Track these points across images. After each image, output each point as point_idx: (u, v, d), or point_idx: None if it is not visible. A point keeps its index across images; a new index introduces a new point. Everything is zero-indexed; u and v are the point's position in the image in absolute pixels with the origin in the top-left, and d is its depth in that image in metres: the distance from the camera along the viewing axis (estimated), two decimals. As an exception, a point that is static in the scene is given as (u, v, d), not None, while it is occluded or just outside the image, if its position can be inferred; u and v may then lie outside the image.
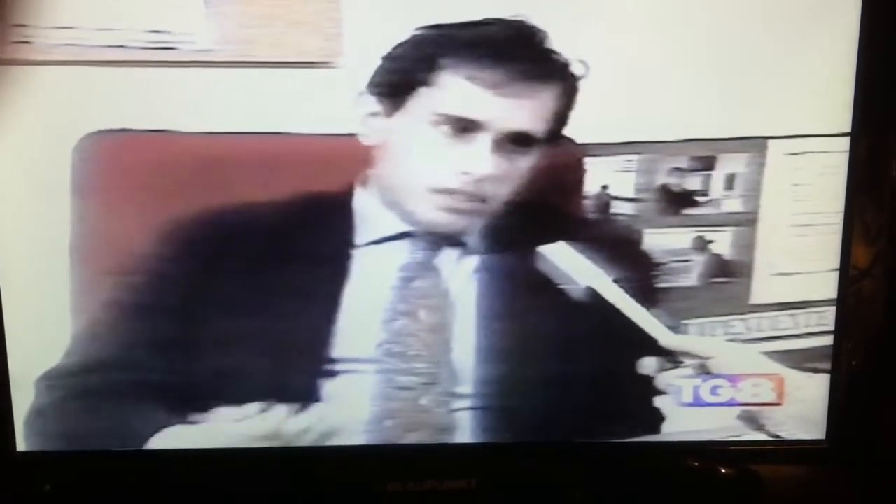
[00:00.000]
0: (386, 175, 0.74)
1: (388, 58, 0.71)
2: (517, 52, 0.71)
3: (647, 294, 0.78)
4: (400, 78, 0.71)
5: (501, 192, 0.74)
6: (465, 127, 0.72)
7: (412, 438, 0.80)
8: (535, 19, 0.71)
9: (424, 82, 0.71)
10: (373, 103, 0.72)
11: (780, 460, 0.84)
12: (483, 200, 0.74)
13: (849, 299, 0.80)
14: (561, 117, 0.73)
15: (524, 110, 0.72)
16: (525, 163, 0.74)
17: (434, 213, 0.74)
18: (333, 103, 0.72)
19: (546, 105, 0.73)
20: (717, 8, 0.73)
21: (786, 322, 0.81)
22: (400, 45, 0.71)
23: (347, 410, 0.78)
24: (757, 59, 0.74)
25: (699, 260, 0.79)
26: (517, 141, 0.73)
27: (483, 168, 0.72)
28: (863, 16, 0.74)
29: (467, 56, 0.70)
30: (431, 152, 0.73)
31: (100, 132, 0.72)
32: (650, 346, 0.77)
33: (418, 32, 0.70)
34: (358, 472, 0.82)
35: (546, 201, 0.76)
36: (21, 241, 0.74)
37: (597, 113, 0.74)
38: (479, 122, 0.71)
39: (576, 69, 0.72)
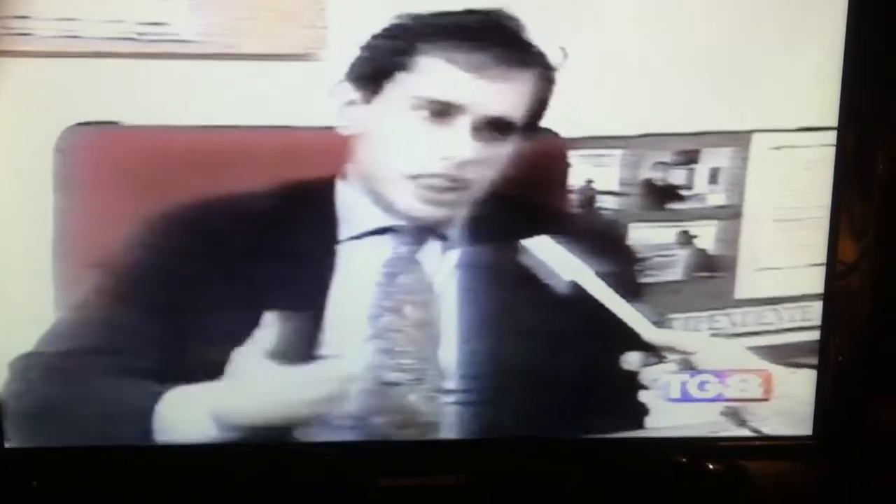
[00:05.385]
0: (366, 164, 0.74)
1: (368, 47, 0.71)
2: (496, 39, 0.71)
3: (631, 288, 0.78)
4: (378, 65, 0.71)
5: (481, 179, 0.74)
6: (444, 111, 0.71)
7: (401, 435, 0.80)
8: (520, 11, 0.71)
9: (403, 67, 0.71)
10: (350, 91, 0.72)
11: (768, 456, 0.84)
12: (463, 187, 0.74)
13: (836, 294, 0.80)
14: (539, 105, 0.73)
15: (504, 94, 0.72)
16: (504, 149, 0.74)
17: (414, 203, 0.74)
18: (317, 96, 0.72)
19: (525, 90, 0.72)
20: (703, 2, 0.73)
21: (770, 317, 0.81)
22: (379, 34, 0.70)
23: (336, 406, 0.78)
24: (742, 53, 0.74)
25: (683, 254, 0.79)
26: (496, 125, 0.72)
27: (463, 152, 0.72)
28: (849, 10, 0.74)
29: (446, 40, 0.70)
30: (411, 137, 0.72)
31: (82, 125, 0.72)
32: (634, 340, 0.77)
33: (397, 21, 0.70)
34: (349, 467, 0.82)
35: (530, 195, 0.76)
36: (4, 233, 0.74)
37: (581, 107, 0.74)
38: (458, 105, 0.71)
39: (553, 57, 0.72)
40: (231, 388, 0.75)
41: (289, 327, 0.74)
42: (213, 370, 0.75)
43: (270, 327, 0.74)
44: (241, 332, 0.75)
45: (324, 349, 0.76)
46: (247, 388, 0.75)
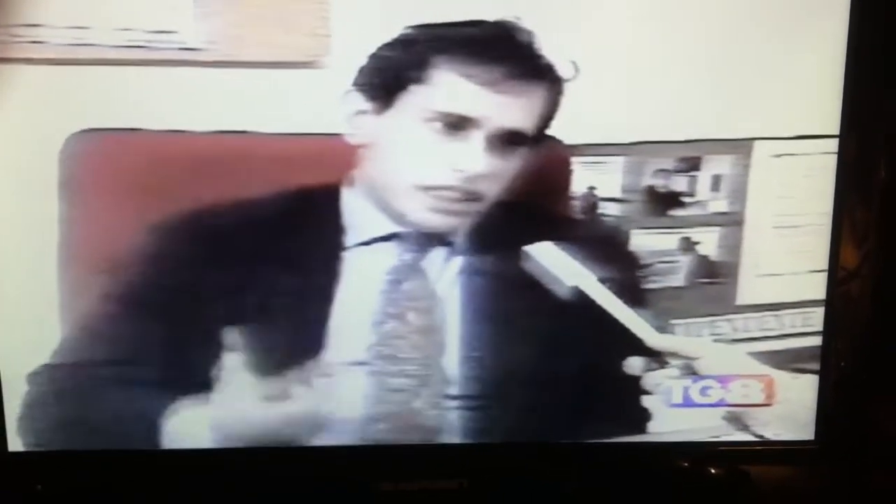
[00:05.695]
0: (376, 174, 0.75)
1: (377, 56, 0.71)
2: (508, 52, 0.71)
3: (634, 294, 0.78)
4: (390, 76, 0.71)
5: (492, 190, 0.74)
6: (458, 124, 0.71)
7: (404, 439, 0.80)
8: (524, 19, 0.71)
9: (417, 80, 0.71)
10: (361, 101, 0.72)
11: (770, 460, 0.84)
12: (474, 199, 0.74)
13: (837, 300, 0.80)
14: (548, 117, 0.74)
15: (517, 108, 0.72)
16: (515, 161, 0.74)
17: (425, 213, 0.74)
18: (322, 103, 0.72)
19: (537, 103, 0.73)
20: (704, 9, 0.73)
21: (772, 322, 0.81)
22: (388, 44, 0.71)
23: (339, 412, 0.78)
24: (744, 61, 0.74)
25: (685, 260, 0.79)
26: (509, 138, 0.73)
27: (477, 166, 0.72)
28: (851, 17, 0.74)
29: (460, 54, 0.71)
30: (423, 150, 0.72)
31: (87, 131, 0.72)
32: (636, 346, 0.77)
33: (407, 31, 0.71)
34: (351, 471, 0.82)
35: (533, 201, 0.76)
36: (9, 240, 0.74)
37: (584, 114, 0.74)
38: (473, 119, 0.71)
39: (565, 71, 0.72)
40: (222, 401, 0.75)
41: (256, 340, 0.75)
42: (208, 381, 0.75)
43: (236, 344, 0.74)
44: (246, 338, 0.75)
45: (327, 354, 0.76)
46: (235, 401, 0.75)
